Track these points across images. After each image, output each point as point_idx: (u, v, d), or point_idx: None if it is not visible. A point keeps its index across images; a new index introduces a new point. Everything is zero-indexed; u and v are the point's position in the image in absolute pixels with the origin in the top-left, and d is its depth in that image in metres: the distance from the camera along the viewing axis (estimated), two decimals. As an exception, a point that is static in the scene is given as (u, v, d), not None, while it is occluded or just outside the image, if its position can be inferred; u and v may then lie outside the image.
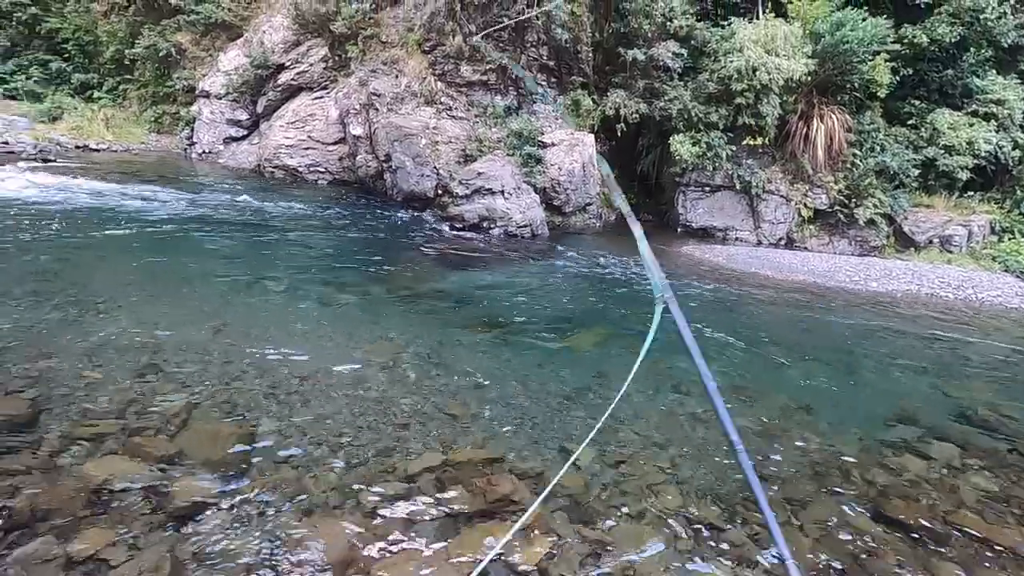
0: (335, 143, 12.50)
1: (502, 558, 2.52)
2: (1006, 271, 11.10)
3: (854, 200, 11.63)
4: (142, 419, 3.20)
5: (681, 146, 11.39)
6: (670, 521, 2.94)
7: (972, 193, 12.33)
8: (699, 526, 2.93)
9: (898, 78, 11.67)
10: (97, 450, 2.89)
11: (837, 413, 4.55)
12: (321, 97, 12.82)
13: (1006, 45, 11.98)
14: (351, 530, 2.58)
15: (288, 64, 12.93)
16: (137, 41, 14.39)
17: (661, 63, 11.39)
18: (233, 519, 2.56)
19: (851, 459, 3.79)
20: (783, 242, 12.08)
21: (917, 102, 12.24)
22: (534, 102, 11.73)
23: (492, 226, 9.91)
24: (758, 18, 11.86)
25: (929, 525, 3.15)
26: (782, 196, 11.88)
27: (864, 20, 10.94)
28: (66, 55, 15.46)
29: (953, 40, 11.40)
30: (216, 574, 2.27)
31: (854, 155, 11.71)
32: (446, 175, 10.66)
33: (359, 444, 3.26)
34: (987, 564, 2.90)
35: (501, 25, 10.76)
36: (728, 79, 10.96)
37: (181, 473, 2.82)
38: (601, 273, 8.49)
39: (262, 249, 7.53)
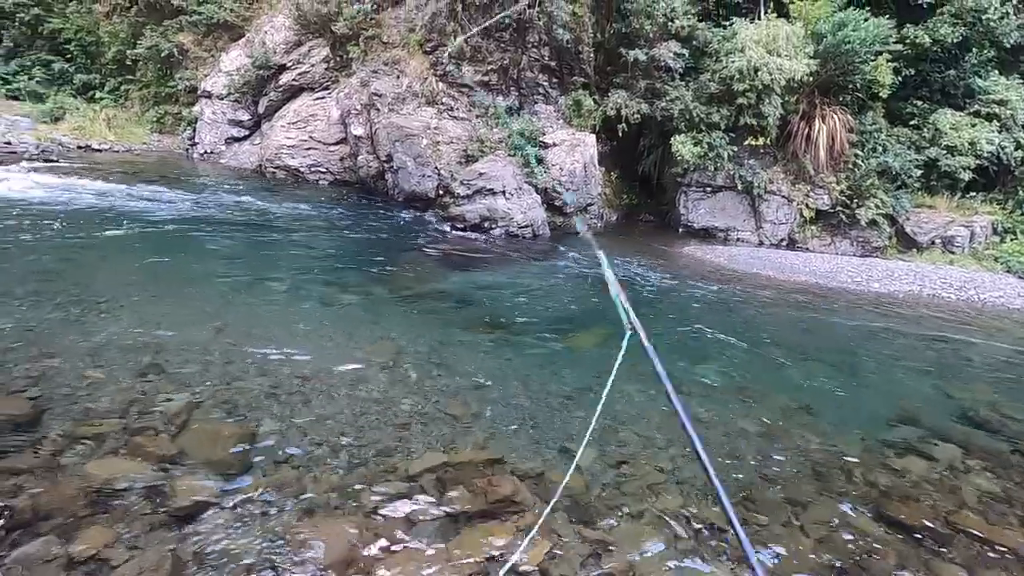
0: (336, 143, 12.51)
1: (503, 558, 2.52)
2: (1008, 272, 11.07)
3: (856, 201, 11.61)
4: (144, 419, 3.20)
5: (683, 146, 11.38)
6: (671, 521, 2.93)
7: (974, 194, 12.30)
8: (700, 526, 2.93)
9: (900, 78, 11.66)
10: (99, 450, 2.89)
11: (839, 414, 4.54)
12: (322, 97, 12.84)
13: (1008, 45, 11.96)
14: (352, 530, 2.58)
15: (290, 64, 12.96)
16: (139, 41, 14.45)
17: (663, 63, 11.39)
18: (234, 519, 2.56)
19: (853, 460, 3.79)
20: (785, 243, 12.07)
21: (919, 102, 12.22)
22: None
23: (493, 226, 9.91)
24: (760, 18, 11.86)
25: (931, 526, 3.14)
26: (784, 196, 11.86)
27: (866, 20, 10.93)
28: (68, 56, 15.50)
29: (955, 40, 11.38)
30: (217, 574, 2.27)
31: (856, 155, 11.69)
32: (447, 175, 10.66)
33: (360, 444, 3.26)
34: (989, 565, 2.89)
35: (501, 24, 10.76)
36: (730, 79, 10.95)
37: (182, 473, 2.82)
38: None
39: (264, 249, 7.53)
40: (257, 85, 13.26)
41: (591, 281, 7.79)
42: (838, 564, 2.78)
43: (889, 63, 11.27)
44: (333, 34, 12.31)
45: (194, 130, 14.13)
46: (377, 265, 7.42)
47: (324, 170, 12.59)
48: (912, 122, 12.15)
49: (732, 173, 11.73)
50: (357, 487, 2.88)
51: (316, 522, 2.59)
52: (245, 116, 13.71)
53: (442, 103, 11.31)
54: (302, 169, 12.55)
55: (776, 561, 2.74)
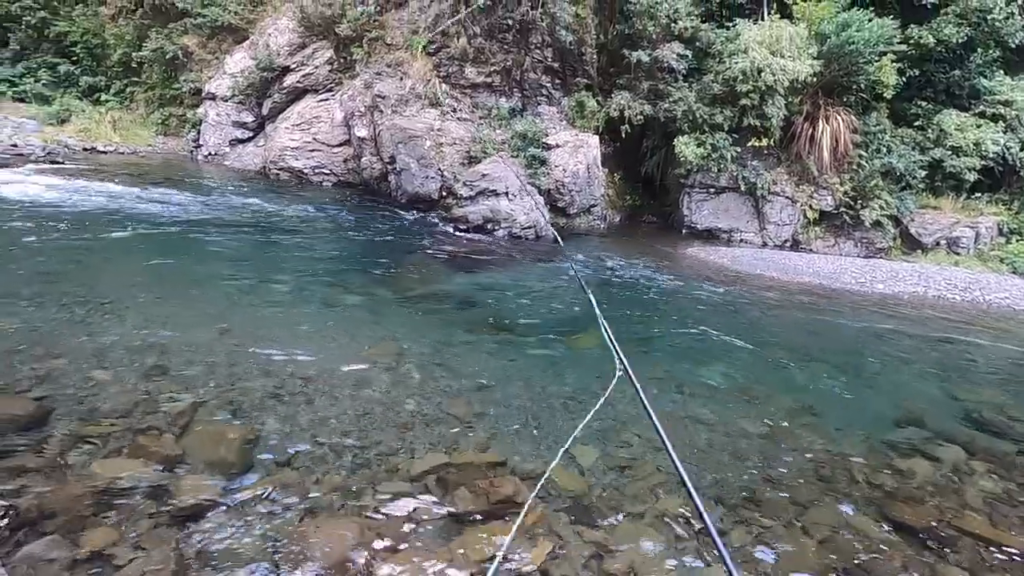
0: (340, 145, 12.55)
1: (505, 559, 2.52)
2: (1014, 273, 11.02)
3: (860, 201, 11.58)
4: (148, 419, 3.22)
5: (686, 147, 11.37)
6: (672, 523, 2.93)
7: (979, 194, 12.26)
8: (701, 527, 2.92)
9: (904, 79, 11.63)
10: (103, 449, 2.91)
11: (843, 415, 4.52)
12: (326, 99, 12.88)
13: (1014, 45, 11.92)
14: (354, 530, 2.58)
15: (293, 66, 13.01)
16: (144, 44, 14.53)
17: (666, 64, 11.39)
18: (238, 519, 2.57)
19: (857, 461, 3.77)
20: (788, 244, 12.04)
21: (924, 103, 12.18)
22: None
23: (496, 228, 9.92)
24: (763, 19, 11.85)
25: (936, 528, 3.12)
26: (787, 197, 11.83)
27: (870, 21, 10.90)
28: (74, 58, 15.60)
29: (960, 41, 11.34)
30: (220, 573, 2.28)
31: (860, 156, 11.66)
32: (450, 177, 10.68)
33: (363, 445, 3.27)
34: (994, 568, 2.87)
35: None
36: (733, 80, 10.94)
37: (186, 473, 2.83)
38: (606, 275, 8.48)
39: (268, 251, 7.56)
40: (261, 87, 13.32)
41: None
42: (841, 566, 2.77)
43: (893, 63, 11.23)
44: (337, 36, 12.35)
45: (198, 132, 14.19)
46: (380, 267, 7.44)
47: (328, 172, 12.63)
48: (916, 123, 12.12)
49: (735, 174, 11.72)
50: (359, 488, 2.88)
51: (319, 522, 2.60)
52: (249, 118, 13.77)
53: (445, 105, 11.33)
54: (306, 171, 12.60)
55: (779, 562, 2.73)
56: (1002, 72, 12.26)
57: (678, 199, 12.60)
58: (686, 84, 11.69)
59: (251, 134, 13.94)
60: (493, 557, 2.50)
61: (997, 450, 4.16)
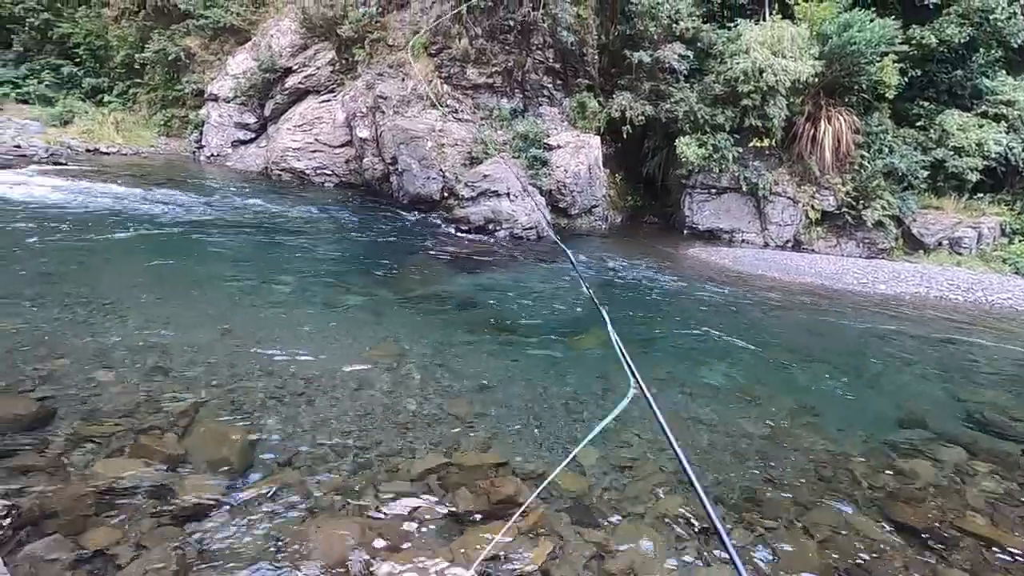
0: (342, 146, 12.57)
1: (506, 559, 2.52)
2: (1016, 273, 11.00)
3: (862, 202, 11.56)
4: (150, 419, 3.23)
5: (687, 148, 11.36)
6: (672, 523, 2.93)
7: (982, 195, 12.23)
8: (702, 527, 2.92)
9: (906, 79, 11.60)
10: (106, 449, 2.92)
11: (845, 416, 4.52)
12: (328, 100, 12.91)
13: (1016, 46, 11.90)
14: (355, 530, 2.59)
15: (295, 68, 13.04)
16: (147, 45, 14.57)
17: (667, 65, 11.38)
18: (239, 519, 2.58)
19: (859, 461, 3.77)
20: (790, 244, 12.02)
21: (926, 103, 12.16)
22: None
23: (498, 228, 9.92)
24: (765, 19, 11.84)
25: (937, 528, 3.12)
26: (789, 198, 11.82)
27: (872, 21, 10.89)
28: (77, 60, 15.66)
29: (962, 41, 11.32)
30: (221, 573, 2.29)
31: (862, 157, 11.64)
32: (452, 177, 10.69)
33: (364, 445, 3.28)
34: (995, 569, 2.86)
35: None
36: (734, 81, 10.93)
37: (188, 472, 2.84)
38: (607, 276, 8.48)
39: (269, 251, 7.58)
40: (263, 88, 13.35)
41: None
42: (842, 567, 2.76)
43: (895, 64, 11.22)
44: (339, 37, 12.38)
45: (201, 133, 14.24)
46: (382, 267, 7.45)
47: (329, 172, 12.66)
48: (919, 123, 12.09)
49: (737, 175, 11.70)
50: (361, 487, 2.89)
51: (320, 522, 2.61)
52: (251, 119, 13.80)
53: (447, 105, 11.35)
54: (308, 171, 12.62)
55: (780, 562, 2.72)
56: (1004, 72, 12.23)
57: (679, 200, 12.59)
58: (687, 85, 11.68)
59: (253, 135, 13.98)
60: (494, 557, 2.51)
61: (999, 451, 4.15)
